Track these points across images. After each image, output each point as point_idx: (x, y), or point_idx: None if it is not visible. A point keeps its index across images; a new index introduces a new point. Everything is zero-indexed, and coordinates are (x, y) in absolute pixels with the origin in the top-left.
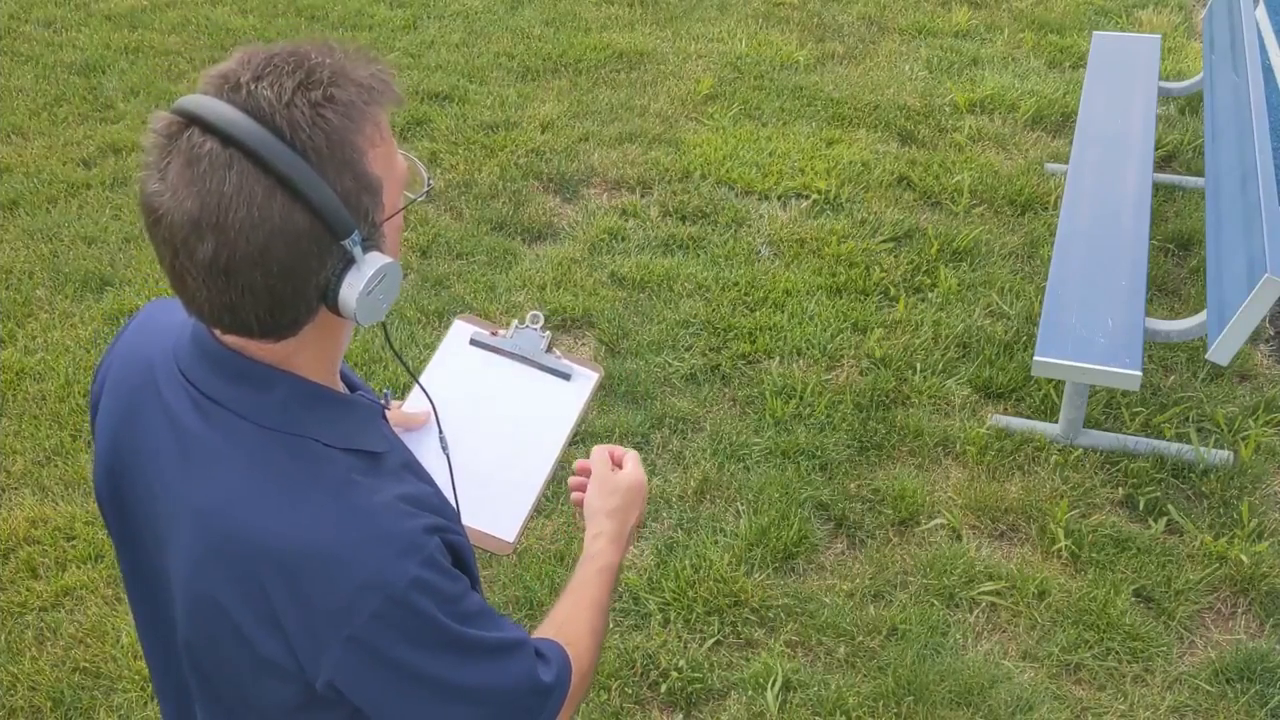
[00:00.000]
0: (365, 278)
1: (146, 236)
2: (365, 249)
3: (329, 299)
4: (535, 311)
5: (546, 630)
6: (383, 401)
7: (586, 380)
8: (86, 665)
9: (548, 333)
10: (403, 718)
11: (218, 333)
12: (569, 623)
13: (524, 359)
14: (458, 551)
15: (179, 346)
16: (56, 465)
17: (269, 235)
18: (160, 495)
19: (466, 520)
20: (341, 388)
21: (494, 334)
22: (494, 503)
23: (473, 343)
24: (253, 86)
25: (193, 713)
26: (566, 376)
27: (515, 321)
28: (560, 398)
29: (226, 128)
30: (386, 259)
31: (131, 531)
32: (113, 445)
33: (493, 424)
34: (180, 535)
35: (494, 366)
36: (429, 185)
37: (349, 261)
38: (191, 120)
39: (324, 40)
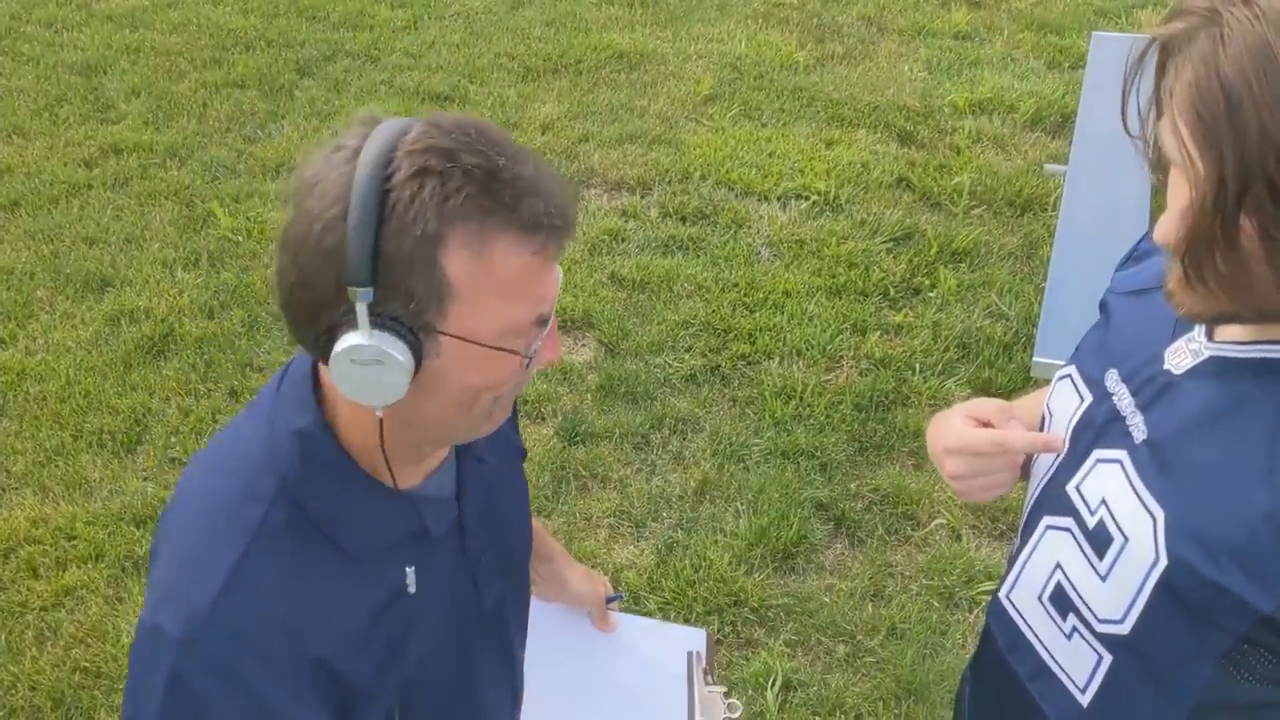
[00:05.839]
0: (352, 344)
1: None
2: (388, 329)
3: (327, 346)
4: (736, 702)
5: None
6: (611, 603)
7: None
8: (87, 665)
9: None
10: None
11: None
12: None
13: (693, 706)
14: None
15: None
16: (57, 465)
17: (307, 232)
18: None
19: None
20: (385, 476)
21: (705, 671)
22: None
23: (687, 655)
24: (438, 139)
25: None
26: None
27: (724, 690)
28: None
29: (368, 141)
30: (397, 349)
31: None
32: None
33: (616, 696)
34: None
35: (678, 681)
36: (529, 357)
37: (354, 320)
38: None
39: (535, 156)
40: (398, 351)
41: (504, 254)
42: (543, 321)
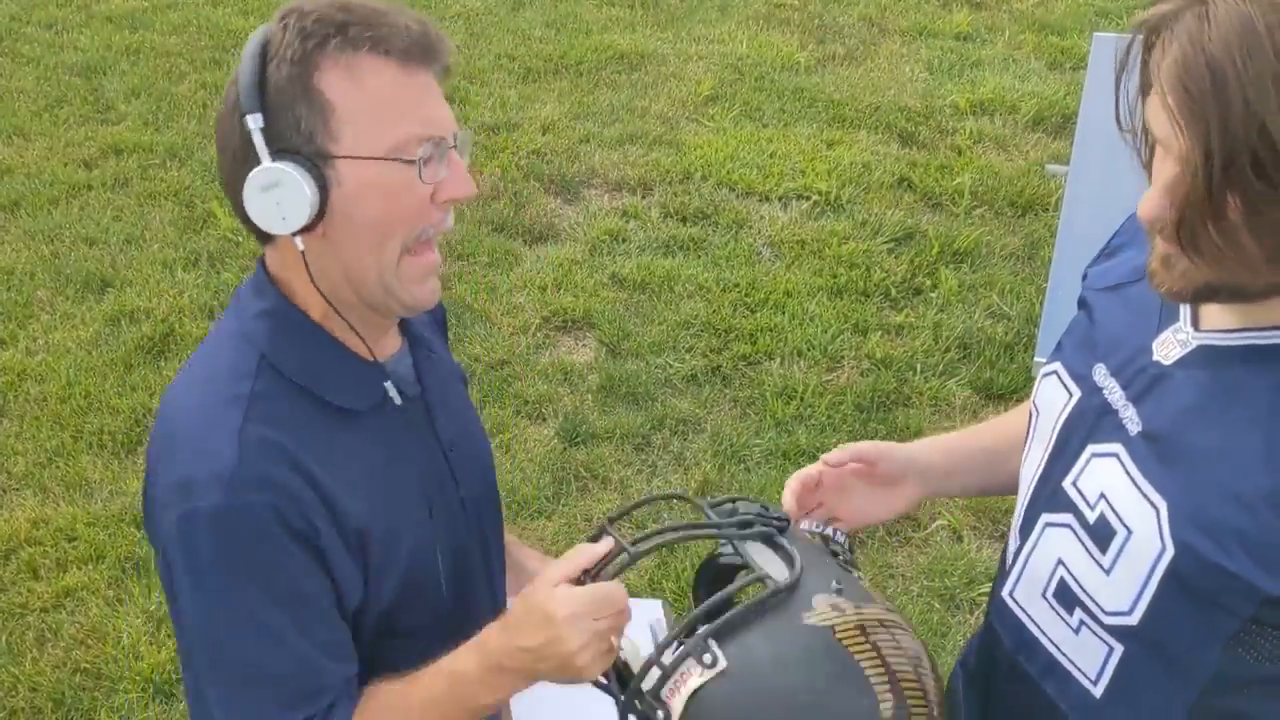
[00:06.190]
0: (254, 171)
1: None
2: (285, 157)
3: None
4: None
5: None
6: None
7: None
8: (87, 666)
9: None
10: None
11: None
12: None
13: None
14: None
15: None
16: (58, 466)
17: (221, 109)
18: None
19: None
20: (348, 334)
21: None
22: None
23: (649, 627)
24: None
25: None
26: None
27: (663, 603)
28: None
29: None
30: (294, 170)
31: None
32: None
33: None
34: None
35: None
36: (420, 158)
37: (256, 155)
38: None
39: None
40: (295, 171)
41: (370, 70)
42: (437, 144)
